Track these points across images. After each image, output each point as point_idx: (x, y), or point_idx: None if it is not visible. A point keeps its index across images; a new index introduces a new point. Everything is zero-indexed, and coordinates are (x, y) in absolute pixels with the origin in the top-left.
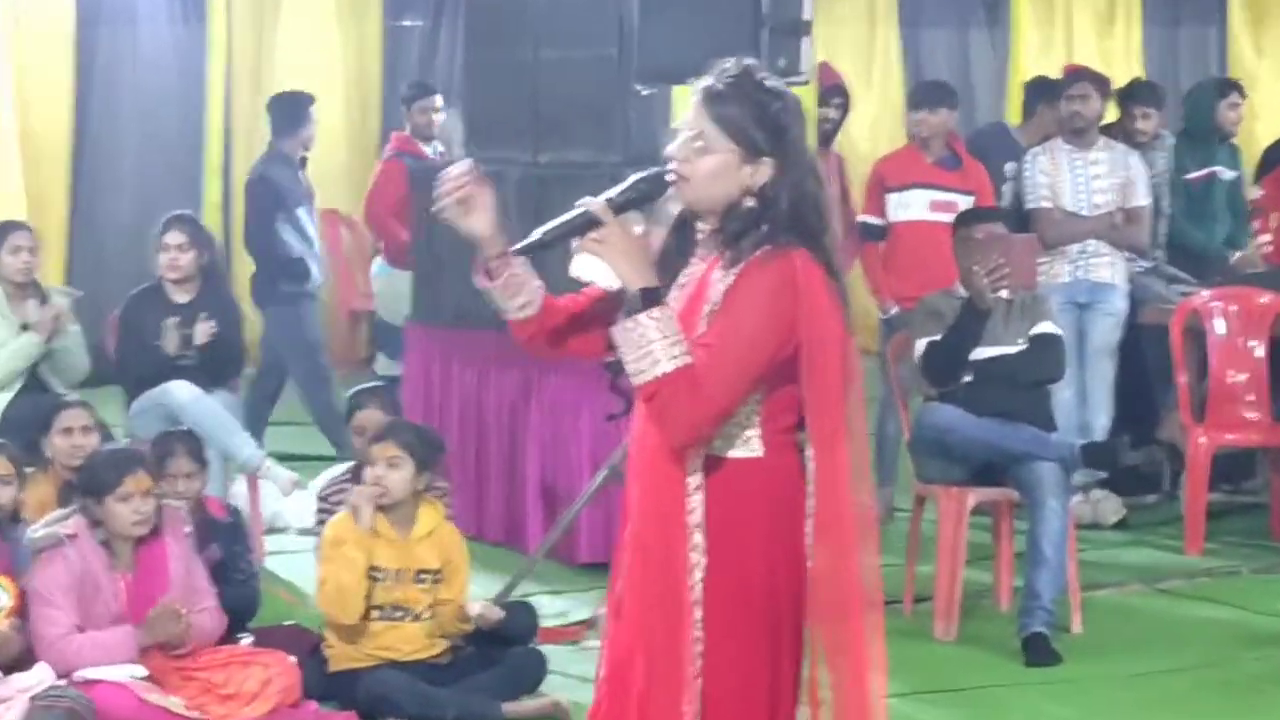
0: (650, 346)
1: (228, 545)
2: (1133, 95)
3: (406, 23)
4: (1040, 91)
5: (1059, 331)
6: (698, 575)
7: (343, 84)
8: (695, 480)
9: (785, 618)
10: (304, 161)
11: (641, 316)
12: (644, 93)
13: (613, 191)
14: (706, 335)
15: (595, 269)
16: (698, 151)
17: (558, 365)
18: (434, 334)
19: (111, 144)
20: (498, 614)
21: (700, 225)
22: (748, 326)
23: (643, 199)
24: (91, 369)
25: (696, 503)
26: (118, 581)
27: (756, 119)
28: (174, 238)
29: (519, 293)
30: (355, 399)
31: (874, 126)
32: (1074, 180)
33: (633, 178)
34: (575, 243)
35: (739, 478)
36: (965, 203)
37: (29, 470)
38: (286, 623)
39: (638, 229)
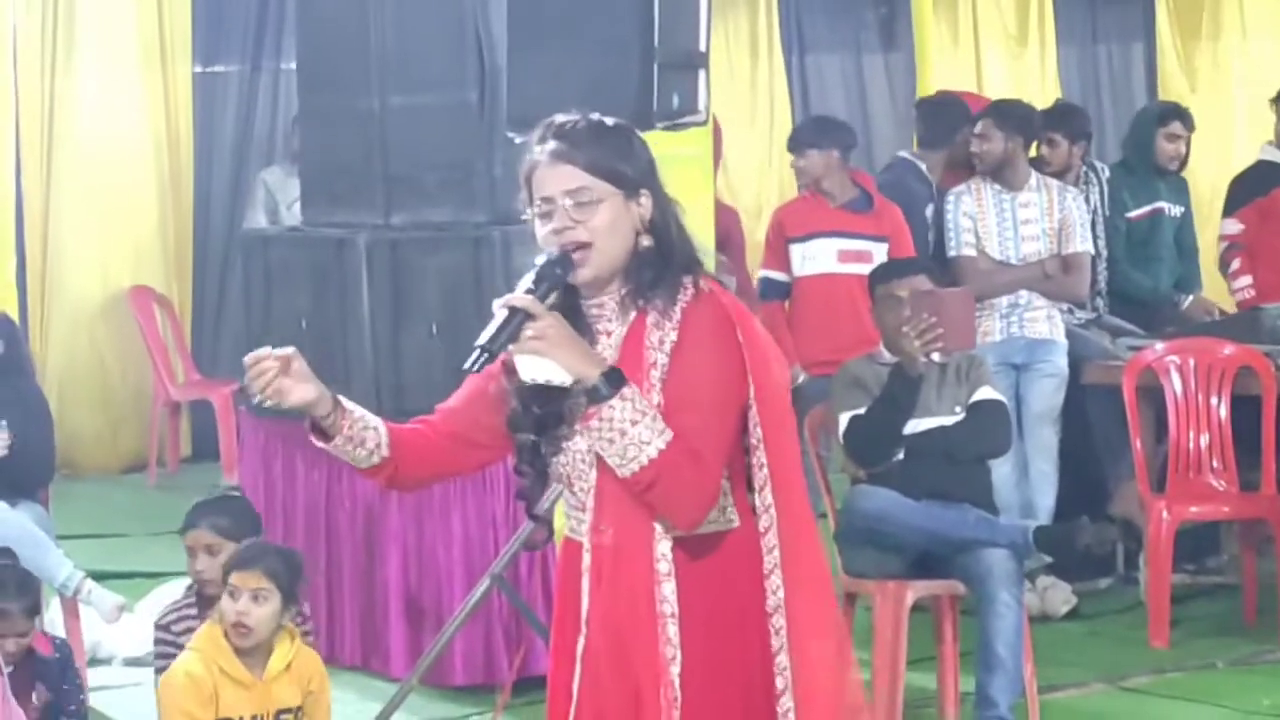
0: (633, 430)
1: (56, 685)
2: (1043, 122)
3: (219, 69)
4: (953, 114)
5: (1001, 397)
6: (675, 670)
7: (150, 141)
8: (664, 567)
9: (758, 691)
10: None
11: (614, 401)
12: (517, 140)
13: (526, 283)
14: (674, 399)
15: (541, 367)
16: (586, 210)
17: None
18: (273, 426)
19: None
20: None
21: (593, 301)
22: (717, 378)
23: (560, 283)
24: None
25: (668, 591)
26: None
27: (621, 155)
28: None
29: (363, 442)
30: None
31: (760, 170)
32: (1001, 224)
33: (538, 264)
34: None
35: (713, 554)
36: (878, 251)
37: None
38: None
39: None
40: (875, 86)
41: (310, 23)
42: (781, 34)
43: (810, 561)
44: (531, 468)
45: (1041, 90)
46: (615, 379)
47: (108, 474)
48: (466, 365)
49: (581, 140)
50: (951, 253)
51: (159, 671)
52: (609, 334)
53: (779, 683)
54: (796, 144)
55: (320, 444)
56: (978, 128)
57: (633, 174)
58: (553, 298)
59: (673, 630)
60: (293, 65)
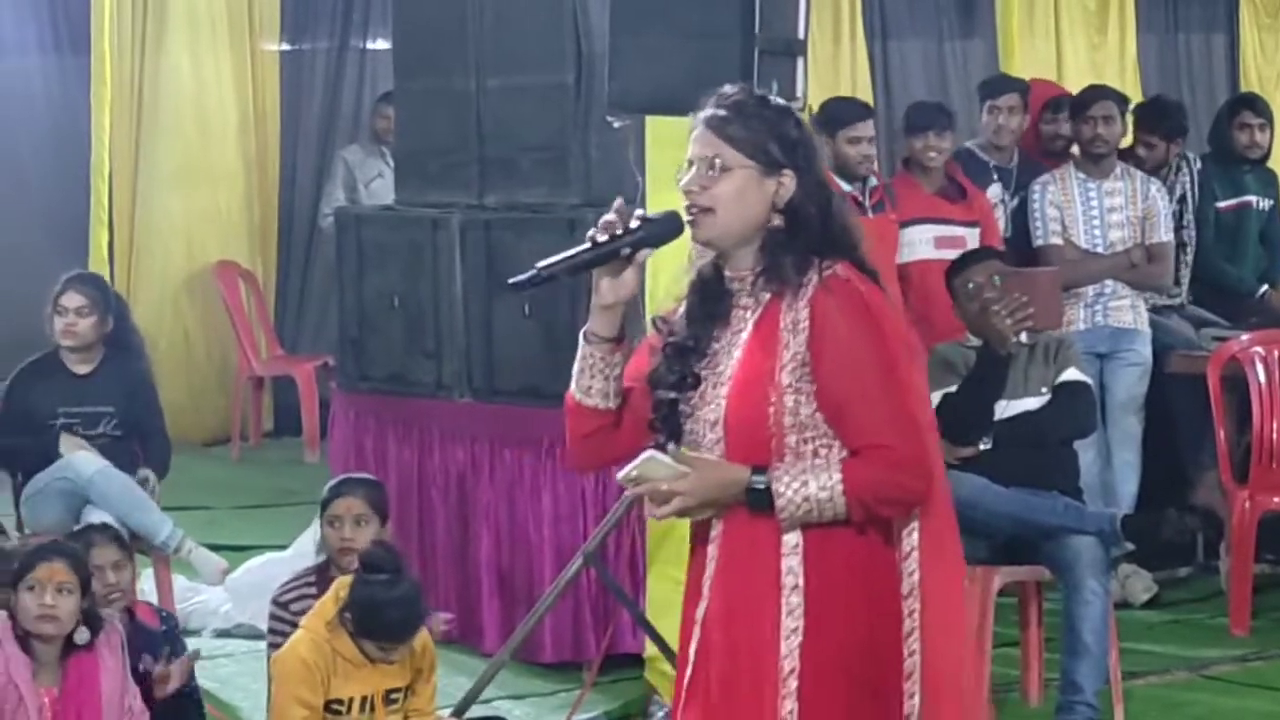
0: (811, 490)
1: (164, 658)
2: (1137, 119)
3: (307, 46)
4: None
5: (1087, 379)
6: (795, 642)
7: (237, 117)
8: (792, 539)
9: (887, 690)
10: None
11: (779, 501)
12: (615, 124)
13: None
14: (836, 398)
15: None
16: (715, 178)
17: (511, 435)
18: (364, 402)
19: None
20: None
21: (732, 274)
22: (871, 359)
23: (656, 239)
24: None
25: (794, 563)
26: (42, 697)
27: (769, 133)
28: (72, 300)
29: (609, 378)
30: (343, 484)
31: None
32: (1087, 213)
33: (639, 217)
34: (632, 489)
35: (841, 533)
36: (971, 237)
37: None
38: None
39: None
40: (955, 73)
41: (407, 3)
42: (864, 19)
43: (949, 544)
44: (665, 425)
45: (1121, 80)
46: (759, 488)
47: (191, 447)
48: (512, 280)
49: (732, 116)
50: (1038, 241)
51: (272, 647)
52: (746, 309)
53: (907, 665)
54: (939, 123)
55: (592, 347)
56: (1099, 108)
57: (776, 151)
58: (642, 254)
59: (796, 600)
60: (379, 45)
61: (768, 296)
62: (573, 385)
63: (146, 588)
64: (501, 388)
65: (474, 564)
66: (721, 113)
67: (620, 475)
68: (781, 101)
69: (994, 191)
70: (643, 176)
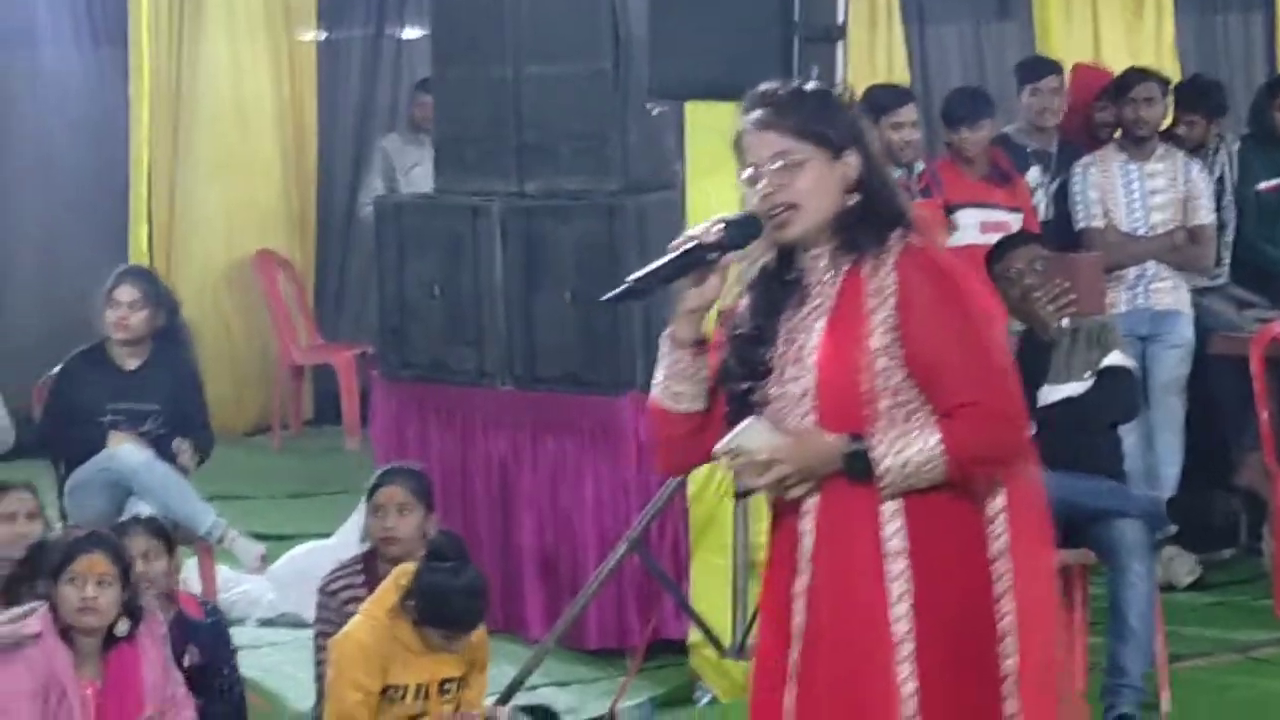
0: (910, 454)
1: (209, 650)
2: (1178, 98)
3: (343, 35)
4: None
5: (1130, 363)
6: (905, 606)
7: (275, 107)
8: (891, 506)
9: (985, 652)
10: None
11: (879, 471)
12: (655, 111)
13: (714, 232)
14: (928, 364)
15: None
16: (790, 173)
17: (553, 423)
18: (405, 390)
19: (12, 186)
20: None
21: (808, 254)
22: (959, 325)
23: (738, 242)
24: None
25: (895, 529)
26: (84, 689)
27: (821, 118)
28: (126, 294)
29: (696, 380)
30: (387, 474)
31: None
32: (1129, 195)
33: (719, 220)
34: (730, 463)
35: (937, 497)
36: (1015, 221)
37: None
38: None
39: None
40: (992, 57)
41: None
42: (901, 4)
43: (1036, 508)
44: (739, 417)
45: (1158, 61)
46: (858, 454)
47: (232, 436)
48: (605, 296)
49: (783, 106)
50: (1080, 224)
51: (320, 635)
52: (823, 284)
53: (1001, 626)
54: (973, 114)
55: (680, 352)
56: (1141, 90)
57: (835, 135)
58: (726, 258)
59: (900, 566)
60: (414, 33)
61: (846, 268)
62: (658, 391)
63: (190, 578)
64: (543, 375)
65: (517, 551)
66: (771, 111)
67: (718, 446)
68: (816, 85)
69: (1033, 175)
70: (682, 163)
